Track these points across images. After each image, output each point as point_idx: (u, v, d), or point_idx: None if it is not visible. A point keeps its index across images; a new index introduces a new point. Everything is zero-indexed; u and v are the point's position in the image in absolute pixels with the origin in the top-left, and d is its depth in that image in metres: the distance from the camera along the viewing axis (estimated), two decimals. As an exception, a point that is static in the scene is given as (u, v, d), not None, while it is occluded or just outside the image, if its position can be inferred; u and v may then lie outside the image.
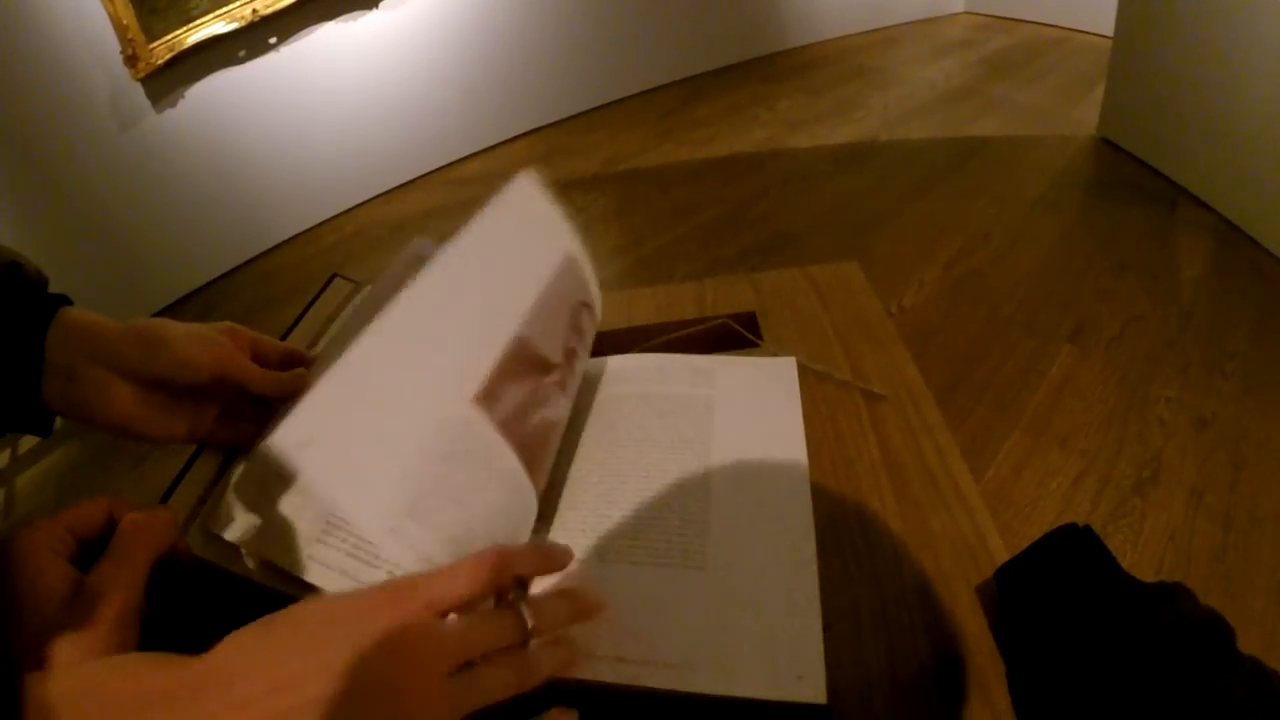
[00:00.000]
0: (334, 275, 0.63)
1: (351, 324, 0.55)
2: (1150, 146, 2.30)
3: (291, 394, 0.47)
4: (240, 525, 0.43)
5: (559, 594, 0.38)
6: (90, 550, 0.34)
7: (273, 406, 0.48)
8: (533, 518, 0.45)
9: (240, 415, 0.48)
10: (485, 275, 0.45)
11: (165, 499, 0.46)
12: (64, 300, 0.43)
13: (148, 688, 0.27)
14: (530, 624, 0.35)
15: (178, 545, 0.40)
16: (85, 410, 0.41)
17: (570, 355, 0.51)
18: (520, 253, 0.49)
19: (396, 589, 0.31)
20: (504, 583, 0.34)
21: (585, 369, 0.60)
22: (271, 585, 0.43)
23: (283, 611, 0.30)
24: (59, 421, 0.43)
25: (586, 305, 0.55)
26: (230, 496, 0.44)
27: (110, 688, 0.26)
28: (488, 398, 0.41)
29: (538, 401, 0.45)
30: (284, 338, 0.55)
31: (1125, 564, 0.40)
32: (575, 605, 0.38)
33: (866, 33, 3.84)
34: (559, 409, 0.49)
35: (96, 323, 0.42)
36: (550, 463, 0.48)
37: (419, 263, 0.47)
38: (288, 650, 0.28)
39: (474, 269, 0.44)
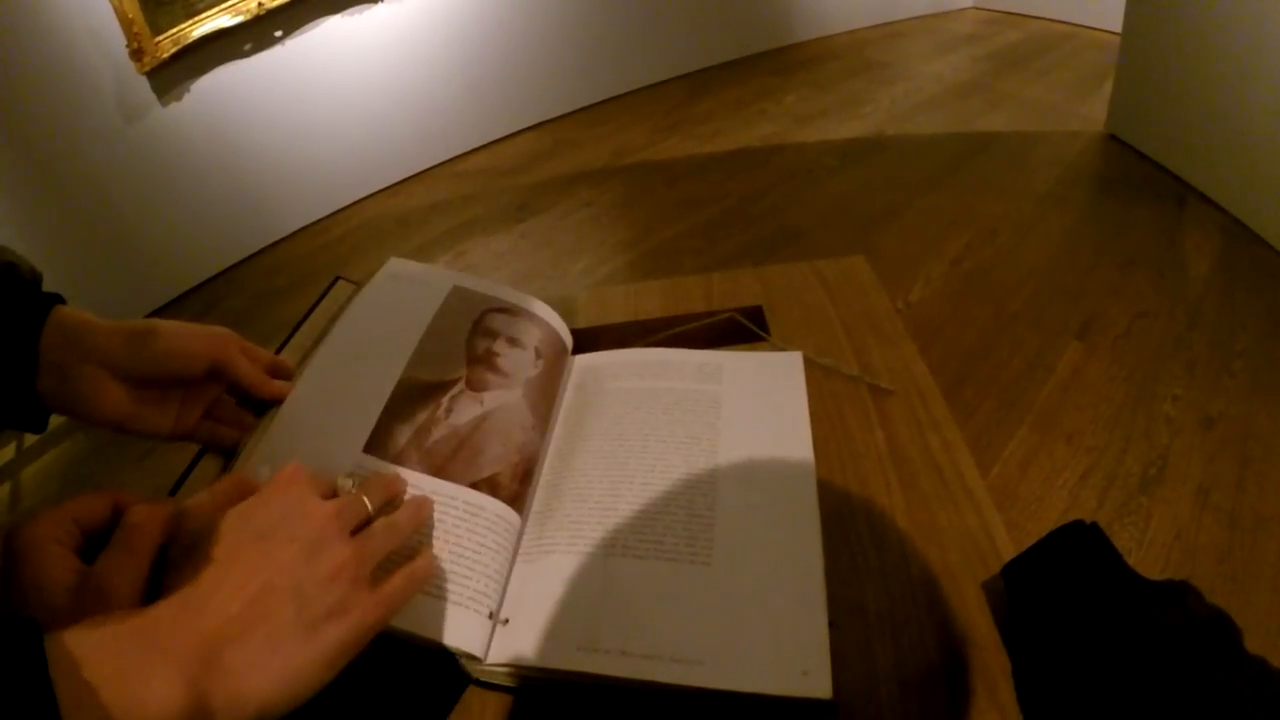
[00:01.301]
0: (337, 277, 0.63)
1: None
2: (1158, 143, 2.28)
3: (275, 400, 0.49)
4: None
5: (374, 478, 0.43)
6: (95, 542, 0.35)
7: (255, 412, 0.50)
8: (484, 504, 0.47)
9: (222, 418, 0.49)
10: (363, 348, 0.53)
11: (173, 492, 0.46)
12: (57, 299, 0.44)
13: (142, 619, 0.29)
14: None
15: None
16: (78, 407, 0.42)
17: (479, 359, 0.55)
18: (395, 317, 0.56)
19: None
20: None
21: (581, 362, 0.60)
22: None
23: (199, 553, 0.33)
24: (56, 417, 0.44)
25: (492, 310, 0.59)
26: None
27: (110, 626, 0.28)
28: (375, 444, 0.47)
29: (437, 419, 0.50)
30: (288, 339, 0.56)
31: (1131, 562, 0.40)
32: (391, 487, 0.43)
33: (873, 27, 3.82)
34: (475, 408, 0.52)
35: (88, 322, 0.43)
36: (501, 447, 0.50)
37: (394, 282, 0.58)
38: (231, 558, 0.33)
39: (351, 349, 0.53)
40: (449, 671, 0.42)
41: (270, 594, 0.32)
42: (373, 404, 0.49)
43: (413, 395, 0.51)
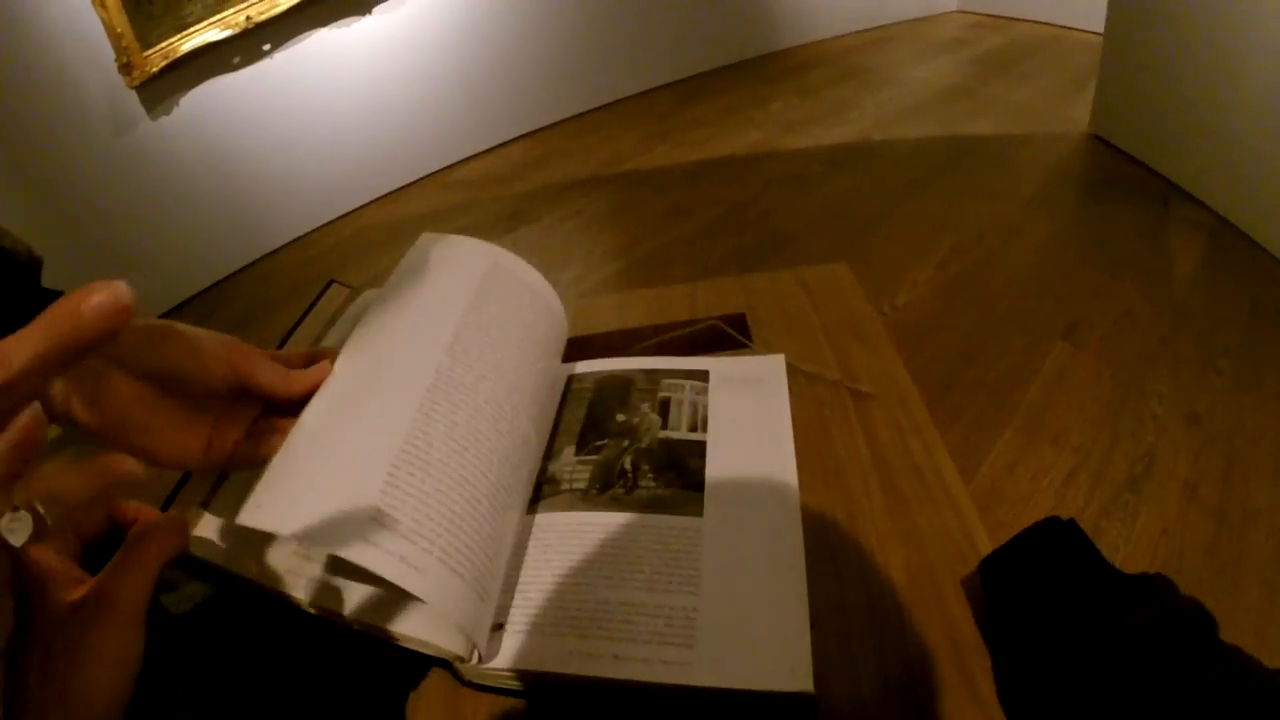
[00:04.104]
0: (331, 281, 0.64)
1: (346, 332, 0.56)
2: (1143, 143, 2.31)
3: (306, 396, 0.44)
4: (220, 541, 0.45)
5: None
6: (92, 551, 0.35)
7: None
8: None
9: (263, 432, 0.43)
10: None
11: (166, 505, 0.47)
12: (59, 295, 0.40)
13: None
14: None
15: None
16: (81, 409, 0.35)
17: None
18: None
19: None
20: None
21: (572, 369, 0.61)
22: (271, 586, 0.44)
23: None
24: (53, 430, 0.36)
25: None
26: (210, 520, 0.46)
27: None
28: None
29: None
30: (282, 342, 0.56)
31: (1119, 558, 0.41)
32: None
33: (860, 33, 3.85)
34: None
35: None
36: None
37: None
38: None
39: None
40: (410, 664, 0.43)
41: None
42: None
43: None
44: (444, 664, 0.43)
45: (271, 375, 0.42)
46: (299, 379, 0.44)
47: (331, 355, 0.46)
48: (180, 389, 0.39)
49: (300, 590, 0.43)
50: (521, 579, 0.46)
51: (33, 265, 0.40)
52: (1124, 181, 2.25)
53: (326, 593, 0.43)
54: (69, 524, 0.34)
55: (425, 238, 0.57)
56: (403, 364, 0.47)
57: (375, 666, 0.43)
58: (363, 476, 0.40)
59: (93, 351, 0.26)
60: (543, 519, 0.49)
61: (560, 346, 0.61)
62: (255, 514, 0.38)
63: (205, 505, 0.46)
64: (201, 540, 0.44)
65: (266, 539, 0.44)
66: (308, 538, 0.38)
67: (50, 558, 0.32)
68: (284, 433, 0.42)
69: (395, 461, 0.41)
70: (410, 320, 0.50)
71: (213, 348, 0.40)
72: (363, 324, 0.49)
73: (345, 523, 0.38)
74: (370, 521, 0.38)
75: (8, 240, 0.39)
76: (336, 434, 0.42)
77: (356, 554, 0.37)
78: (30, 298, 0.37)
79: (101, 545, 0.35)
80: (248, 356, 0.41)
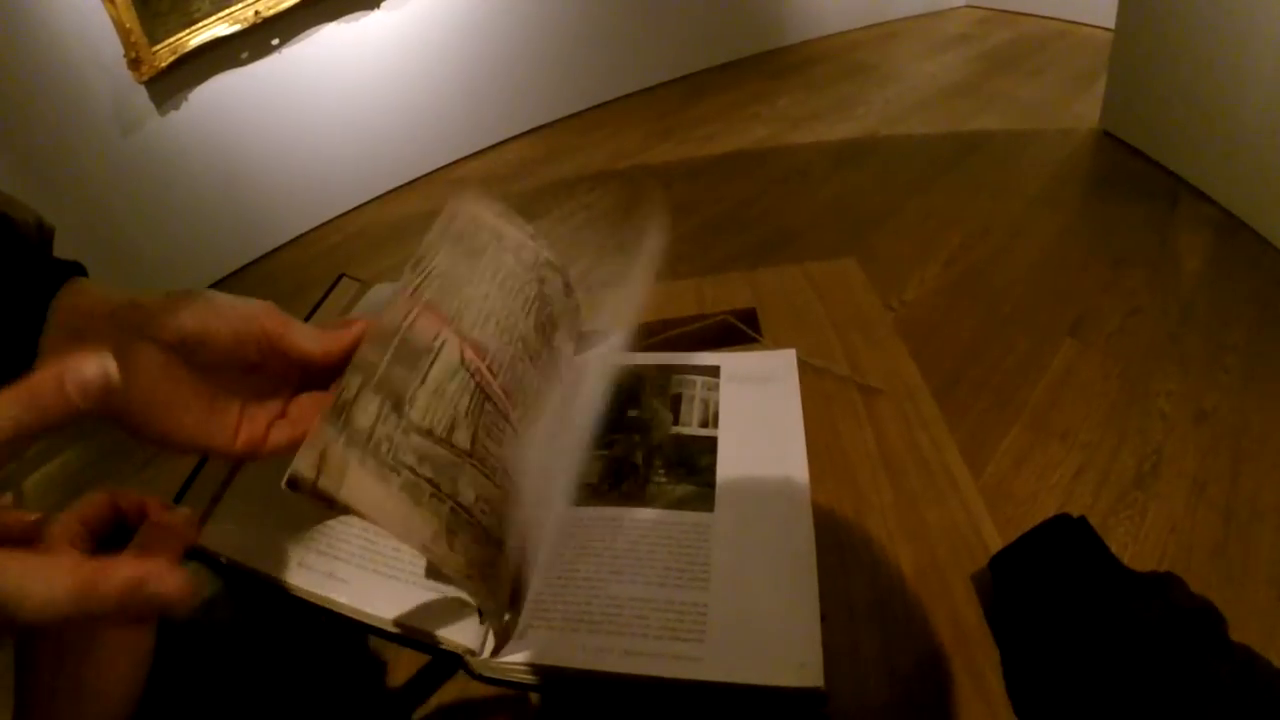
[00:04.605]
0: (341, 275, 0.64)
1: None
2: (1151, 140, 2.30)
3: (351, 346, 0.40)
4: (231, 536, 0.44)
5: None
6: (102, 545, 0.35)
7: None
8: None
9: (300, 416, 0.40)
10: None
11: (178, 499, 0.47)
12: (76, 268, 0.36)
13: None
14: None
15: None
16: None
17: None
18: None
19: None
20: None
21: (576, 359, 0.60)
22: (279, 579, 0.44)
23: None
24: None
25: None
26: (221, 514, 0.45)
27: None
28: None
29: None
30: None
31: (1127, 556, 0.41)
32: None
33: (866, 28, 3.84)
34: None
35: (120, 289, 0.35)
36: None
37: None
38: None
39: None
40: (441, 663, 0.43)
41: None
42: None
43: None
44: (455, 658, 0.43)
45: (306, 335, 0.39)
46: (335, 337, 0.40)
47: (365, 320, 0.42)
48: (209, 358, 0.36)
49: (309, 584, 0.43)
50: (532, 573, 0.46)
51: (43, 237, 0.38)
52: (1132, 178, 2.24)
53: (333, 587, 0.43)
54: (79, 519, 0.34)
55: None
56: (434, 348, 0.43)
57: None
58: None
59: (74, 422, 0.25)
60: (554, 514, 0.49)
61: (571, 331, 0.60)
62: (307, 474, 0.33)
63: (216, 501, 0.47)
64: (211, 533, 0.45)
65: (276, 533, 0.44)
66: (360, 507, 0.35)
67: (61, 546, 0.32)
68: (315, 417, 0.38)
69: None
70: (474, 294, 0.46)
71: (244, 310, 0.38)
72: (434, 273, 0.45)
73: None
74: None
75: (15, 210, 0.37)
76: None
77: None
78: (40, 271, 0.34)
79: (109, 539, 0.34)
80: (280, 318, 0.39)
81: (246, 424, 0.39)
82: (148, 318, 0.34)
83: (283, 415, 0.40)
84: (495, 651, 0.41)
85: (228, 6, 2.25)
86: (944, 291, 1.84)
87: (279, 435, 0.39)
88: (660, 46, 3.37)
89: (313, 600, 0.43)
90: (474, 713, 0.42)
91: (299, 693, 0.43)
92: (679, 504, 0.48)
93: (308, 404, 0.41)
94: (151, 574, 0.25)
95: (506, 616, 0.42)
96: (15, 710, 0.31)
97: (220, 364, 0.37)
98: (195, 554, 0.40)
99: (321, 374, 0.41)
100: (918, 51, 3.51)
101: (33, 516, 0.30)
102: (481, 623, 0.41)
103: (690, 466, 0.51)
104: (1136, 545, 1.21)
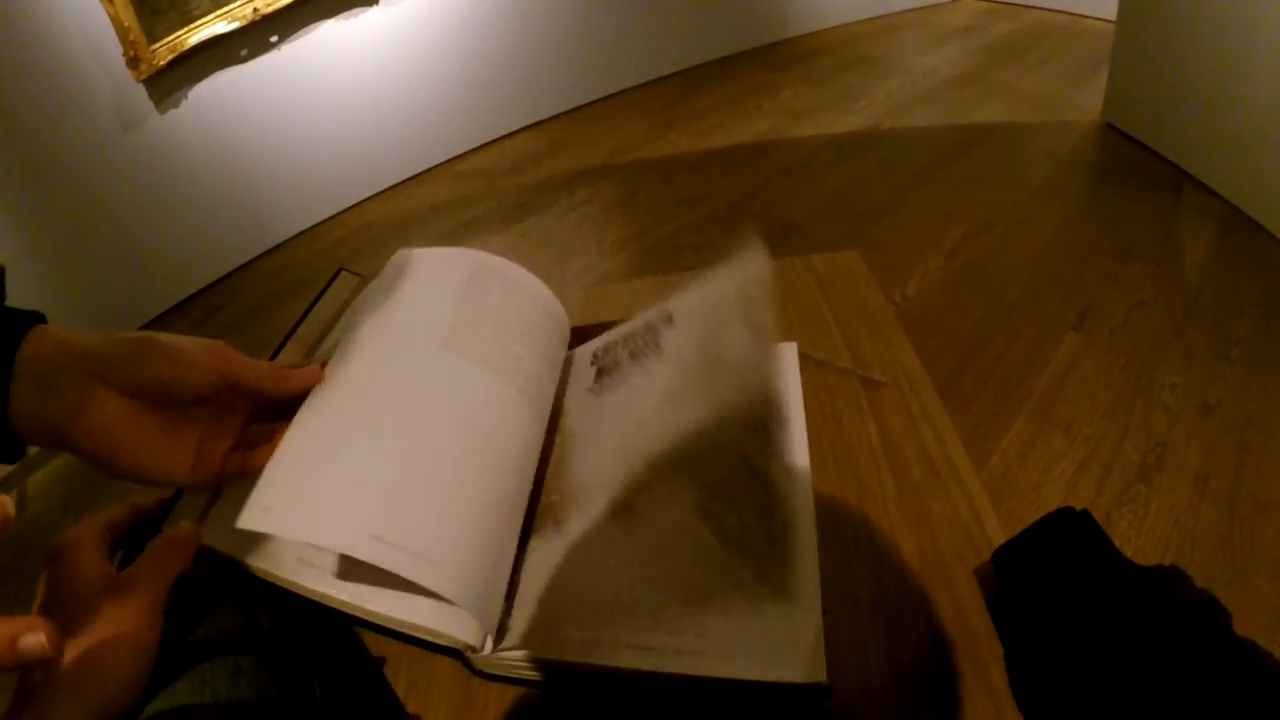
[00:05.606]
0: (340, 269, 0.64)
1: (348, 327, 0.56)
2: (1155, 132, 2.28)
3: (303, 391, 0.44)
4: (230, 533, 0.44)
5: None
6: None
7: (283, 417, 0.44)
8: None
9: (254, 442, 0.43)
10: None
11: (174, 501, 0.47)
12: (36, 318, 0.37)
13: None
14: None
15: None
16: (61, 426, 0.35)
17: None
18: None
19: None
20: None
21: (581, 353, 0.61)
22: (280, 579, 0.44)
23: None
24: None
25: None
26: (219, 511, 0.46)
27: None
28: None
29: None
30: (292, 331, 0.56)
31: (1130, 549, 0.41)
32: None
33: (869, 20, 3.82)
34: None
35: (79, 334, 0.37)
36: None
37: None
38: None
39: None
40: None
41: None
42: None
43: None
44: (456, 654, 0.43)
45: (260, 373, 0.42)
46: (290, 377, 0.44)
47: (321, 363, 0.46)
48: (165, 400, 0.39)
49: (308, 580, 0.43)
50: (532, 570, 0.46)
51: None
52: (1135, 170, 2.22)
53: (333, 583, 0.43)
54: (106, 524, 0.38)
55: (402, 252, 0.56)
56: (401, 362, 0.47)
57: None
58: (368, 473, 0.40)
59: None
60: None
61: (562, 337, 0.61)
62: (262, 518, 0.38)
63: (215, 498, 0.47)
64: (211, 530, 0.44)
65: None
66: (315, 537, 0.38)
67: (87, 547, 0.35)
68: (273, 444, 0.42)
69: (402, 458, 0.41)
70: (401, 322, 0.50)
71: (196, 353, 0.40)
72: (350, 331, 0.49)
73: (354, 520, 0.38)
74: (379, 518, 0.38)
75: None
76: (338, 432, 0.42)
77: (368, 553, 0.37)
78: (1, 322, 0.36)
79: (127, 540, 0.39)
80: (232, 359, 0.41)
81: (204, 451, 0.41)
82: (110, 368, 0.36)
83: (241, 438, 0.44)
84: (495, 647, 0.41)
85: (226, 4, 2.25)
86: (947, 284, 1.84)
87: (233, 464, 0.42)
88: (662, 39, 3.36)
89: (313, 597, 0.43)
90: (474, 711, 0.42)
91: (299, 693, 0.43)
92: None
93: (260, 433, 0.44)
94: (20, 630, 0.28)
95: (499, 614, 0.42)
96: (14, 697, 0.31)
97: (177, 402, 0.39)
98: (197, 555, 0.40)
99: (273, 404, 0.44)
100: (920, 43, 3.49)
101: None
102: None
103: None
104: (1140, 538, 1.21)
